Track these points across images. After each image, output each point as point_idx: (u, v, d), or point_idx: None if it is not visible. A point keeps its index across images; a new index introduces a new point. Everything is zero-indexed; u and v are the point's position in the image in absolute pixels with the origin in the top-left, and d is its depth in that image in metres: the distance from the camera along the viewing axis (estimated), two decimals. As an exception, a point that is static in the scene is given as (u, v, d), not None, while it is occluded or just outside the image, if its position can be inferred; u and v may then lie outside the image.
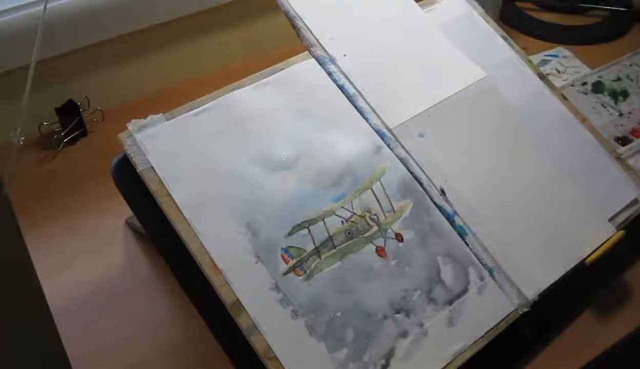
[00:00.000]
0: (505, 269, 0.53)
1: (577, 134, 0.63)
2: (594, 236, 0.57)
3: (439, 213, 0.54)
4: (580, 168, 0.61)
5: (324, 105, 0.56)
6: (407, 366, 0.47)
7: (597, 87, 0.81)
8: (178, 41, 0.84)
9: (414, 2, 0.67)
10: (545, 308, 0.53)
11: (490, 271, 0.52)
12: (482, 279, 0.52)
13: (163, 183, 0.49)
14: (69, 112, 0.76)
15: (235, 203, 0.50)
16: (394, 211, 0.53)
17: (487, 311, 0.51)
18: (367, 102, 0.57)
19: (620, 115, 0.78)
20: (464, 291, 0.51)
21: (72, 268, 0.63)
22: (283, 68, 0.57)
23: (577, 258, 0.55)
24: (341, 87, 0.58)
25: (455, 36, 0.65)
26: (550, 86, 0.66)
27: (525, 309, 0.52)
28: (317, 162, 0.53)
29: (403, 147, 0.56)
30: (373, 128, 0.56)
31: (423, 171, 0.55)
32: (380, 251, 0.51)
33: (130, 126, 0.50)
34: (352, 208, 0.52)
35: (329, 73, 0.58)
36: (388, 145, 0.56)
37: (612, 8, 0.99)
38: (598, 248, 0.56)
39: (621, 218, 0.59)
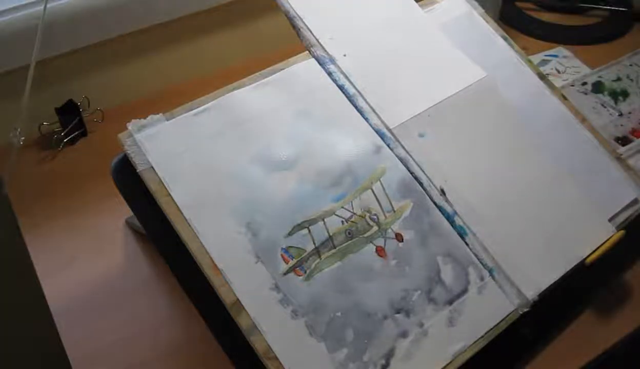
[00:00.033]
0: (505, 269, 0.53)
1: (577, 134, 0.63)
2: (594, 236, 0.57)
3: (439, 213, 0.54)
4: (580, 168, 0.61)
5: (324, 105, 0.56)
6: (407, 366, 0.47)
7: (597, 87, 0.81)
8: (178, 41, 0.84)
9: (414, 2, 0.67)
10: (545, 308, 0.53)
11: (490, 271, 0.52)
12: (482, 279, 0.52)
13: (163, 183, 0.49)
14: (69, 112, 0.76)
15: (235, 203, 0.50)
16: (394, 211, 0.53)
17: (487, 311, 0.51)
18: (367, 102, 0.57)
19: (620, 115, 0.78)
20: (464, 291, 0.51)
21: (72, 268, 0.63)
22: (283, 68, 0.57)
23: (577, 258, 0.55)
24: (341, 87, 0.58)
25: (455, 36, 0.65)
26: (550, 86, 0.66)
27: (525, 309, 0.52)
28: (317, 162, 0.53)
29: (403, 147, 0.56)
30: (373, 128, 0.56)
31: (423, 171, 0.55)
32: (380, 251, 0.51)
33: (130, 126, 0.50)
34: (352, 208, 0.52)
35: (329, 73, 0.58)
36: (388, 145, 0.56)
37: (612, 8, 0.99)
38: (598, 248, 0.56)
39: (621, 218, 0.59)
